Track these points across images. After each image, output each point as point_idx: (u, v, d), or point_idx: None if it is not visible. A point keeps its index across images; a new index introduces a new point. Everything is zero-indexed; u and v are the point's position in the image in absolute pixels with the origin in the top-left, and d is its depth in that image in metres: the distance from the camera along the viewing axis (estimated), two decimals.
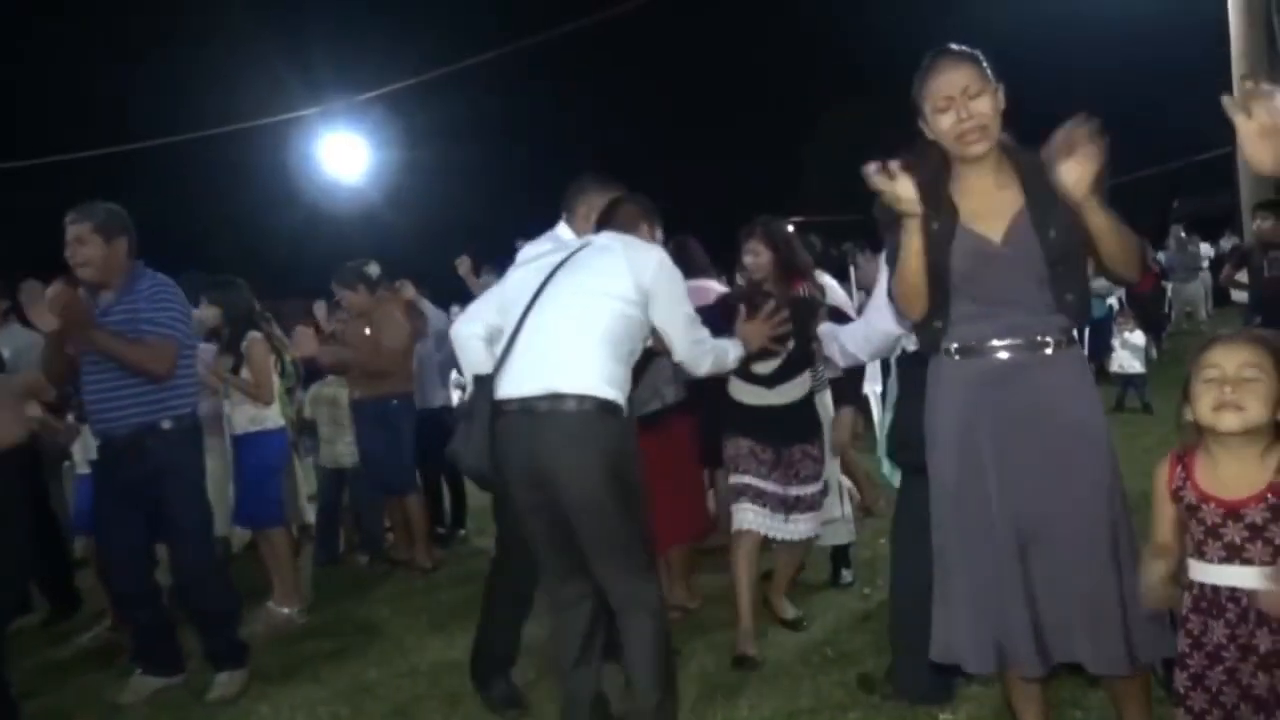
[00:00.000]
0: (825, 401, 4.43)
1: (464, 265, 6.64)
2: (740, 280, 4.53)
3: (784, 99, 29.79)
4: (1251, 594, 2.00)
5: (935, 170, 2.49)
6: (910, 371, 3.00)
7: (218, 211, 21.59)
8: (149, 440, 3.83)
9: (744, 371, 3.84)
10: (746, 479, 3.96)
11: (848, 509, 4.59)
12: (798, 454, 3.99)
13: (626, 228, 3.17)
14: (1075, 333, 2.50)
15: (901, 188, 2.38)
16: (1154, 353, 11.36)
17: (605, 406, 2.81)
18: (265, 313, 5.35)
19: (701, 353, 3.13)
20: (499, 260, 5.12)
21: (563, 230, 3.53)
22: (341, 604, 5.32)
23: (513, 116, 26.56)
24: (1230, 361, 2.03)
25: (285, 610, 5.04)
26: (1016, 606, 2.40)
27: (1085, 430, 2.41)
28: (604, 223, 3.25)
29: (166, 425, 3.86)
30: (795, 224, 4.58)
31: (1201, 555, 2.08)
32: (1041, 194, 2.38)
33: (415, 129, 20.36)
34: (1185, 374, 2.12)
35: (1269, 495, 2.00)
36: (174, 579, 4.14)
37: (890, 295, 2.67)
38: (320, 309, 7.20)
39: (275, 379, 5.03)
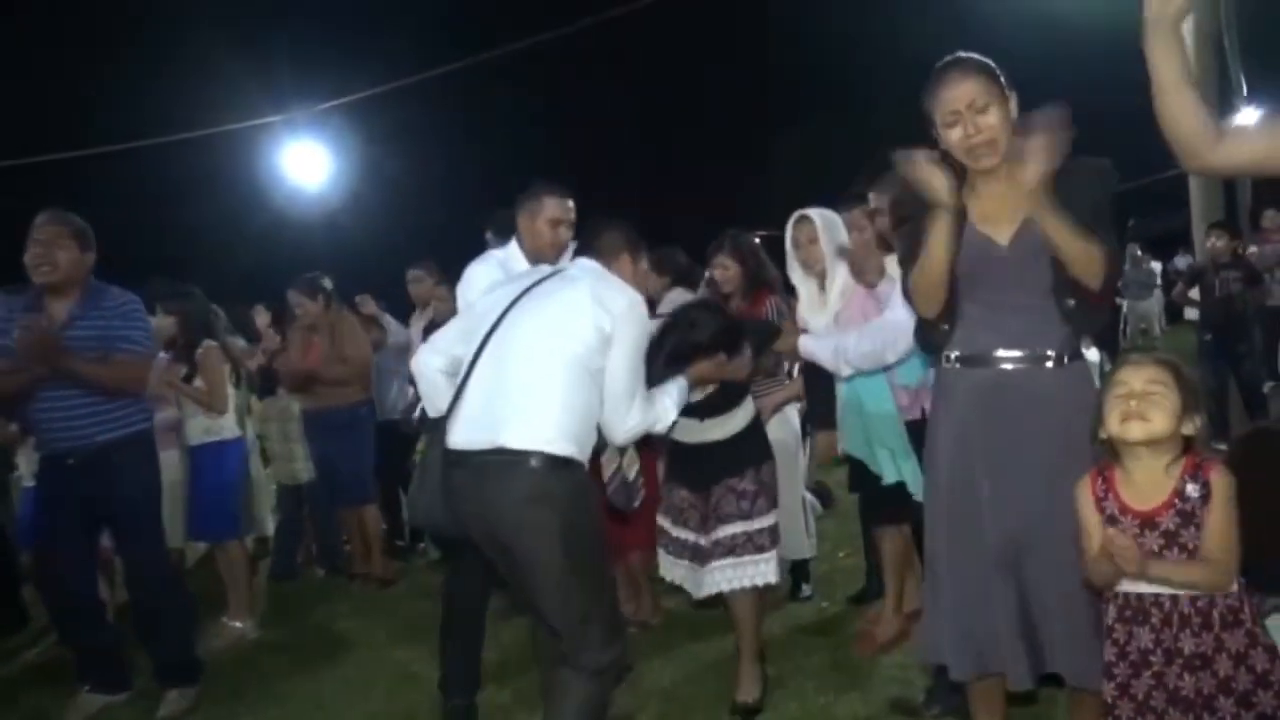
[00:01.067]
0: (789, 417, 4.40)
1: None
2: (707, 293, 4.51)
3: (748, 112, 30.00)
4: (1174, 598, 2.09)
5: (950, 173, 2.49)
6: None
7: (179, 218, 21.31)
8: (112, 458, 3.77)
9: None
10: (673, 528, 3.63)
11: (811, 523, 4.59)
12: (723, 490, 3.48)
13: (605, 257, 3.00)
14: (1082, 344, 2.48)
15: (938, 178, 2.39)
16: (1109, 368, 11.52)
17: (556, 463, 2.62)
18: (227, 324, 5.29)
19: (630, 424, 2.80)
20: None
21: (513, 251, 3.50)
22: (298, 617, 5.25)
23: (475, 126, 26.49)
24: (1136, 379, 2.14)
25: (239, 624, 4.96)
26: (1007, 619, 2.42)
27: (1083, 446, 2.36)
28: (584, 249, 3.07)
29: (126, 442, 3.81)
30: (761, 237, 4.58)
31: None
32: (1051, 201, 2.36)
33: (378, 137, 20.26)
34: (1098, 395, 2.22)
35: (1176, 501, 2.11)
36: (129, 593, 4.07)
37: (906, 292, 2.64)
38: (261, 316, 7.08)
39: (230, 389, 4.97)
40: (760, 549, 3.45)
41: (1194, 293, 8.20)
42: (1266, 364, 8.16)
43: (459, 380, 2.80)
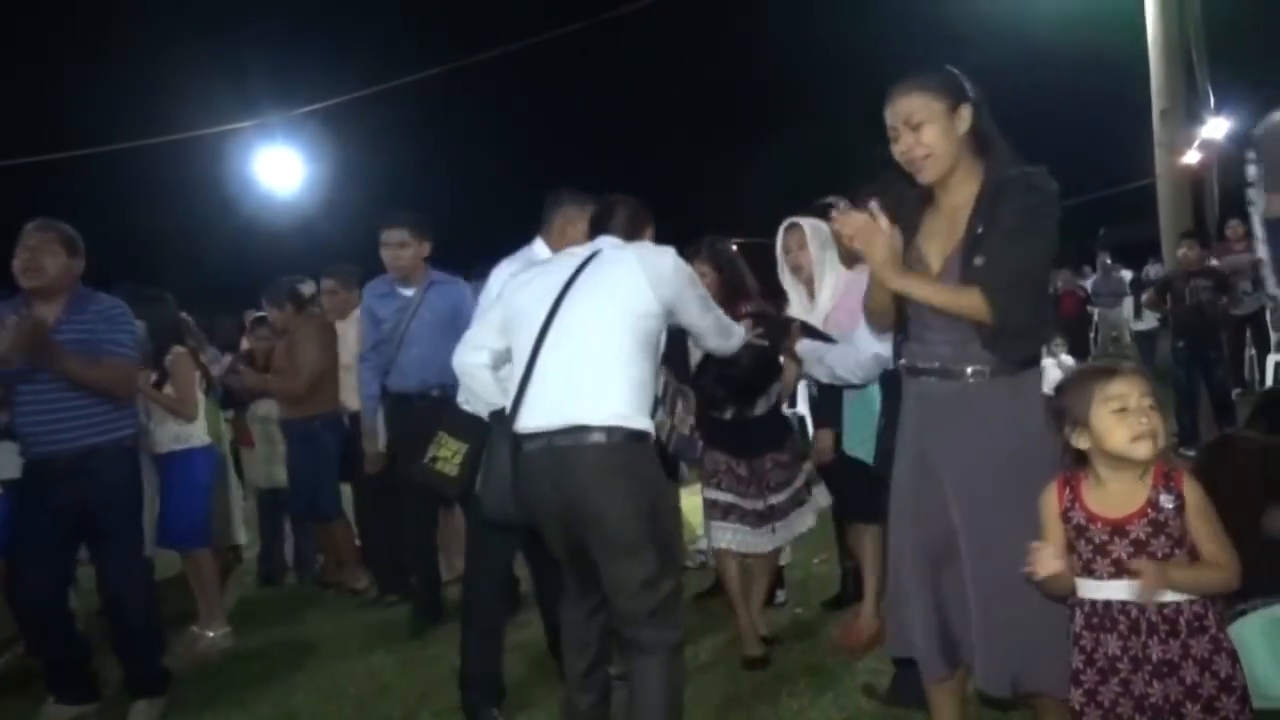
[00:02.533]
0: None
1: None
2: None
3: (722, 119, 30.14)
4: (1141, 606, 2.11)
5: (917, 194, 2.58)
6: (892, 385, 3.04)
7: (151, 224, 21.11)
8: (93, 462, 3.74)
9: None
10: (724, 495, 4.01)
11: None
12: (769, 463, 4.03)
13: (632, 231, 3.06)
14: (1007, 361, 2.43)
15: (875, 240, 2.44)
16: None
17: (634, 436, 2.69)
18: (197, 329, 5.24)
19: (730, 334, 3.15)
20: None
21: (539, 248, 3.50)
22: (270, 626, 5.20)
23: (449, 133, 26.45)
24: (1134, 392, 2.14)
25: (210, 634, 4.91)
26: (930, 620, 2.51)
27: (1005, 458, 2.41)
28: (600, 226, 3.10)
29: (108, 447, 3.79)
30: (736, 244, 4.59)
31: (1091, 573, 2.17)
32: (982, 221, 2.40)
33: (352, 143, 20.19)
34: (1068, 402, 2.21)
35: (1149, 510, 2.12)
36: (104, 601, 4.02)
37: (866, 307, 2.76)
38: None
39: (200, 396, 4.92)
40: (801, 503, 4.14)
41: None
42: (1234, 372, 8.28)
43: (523, 368, 2.79)
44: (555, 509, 2.73)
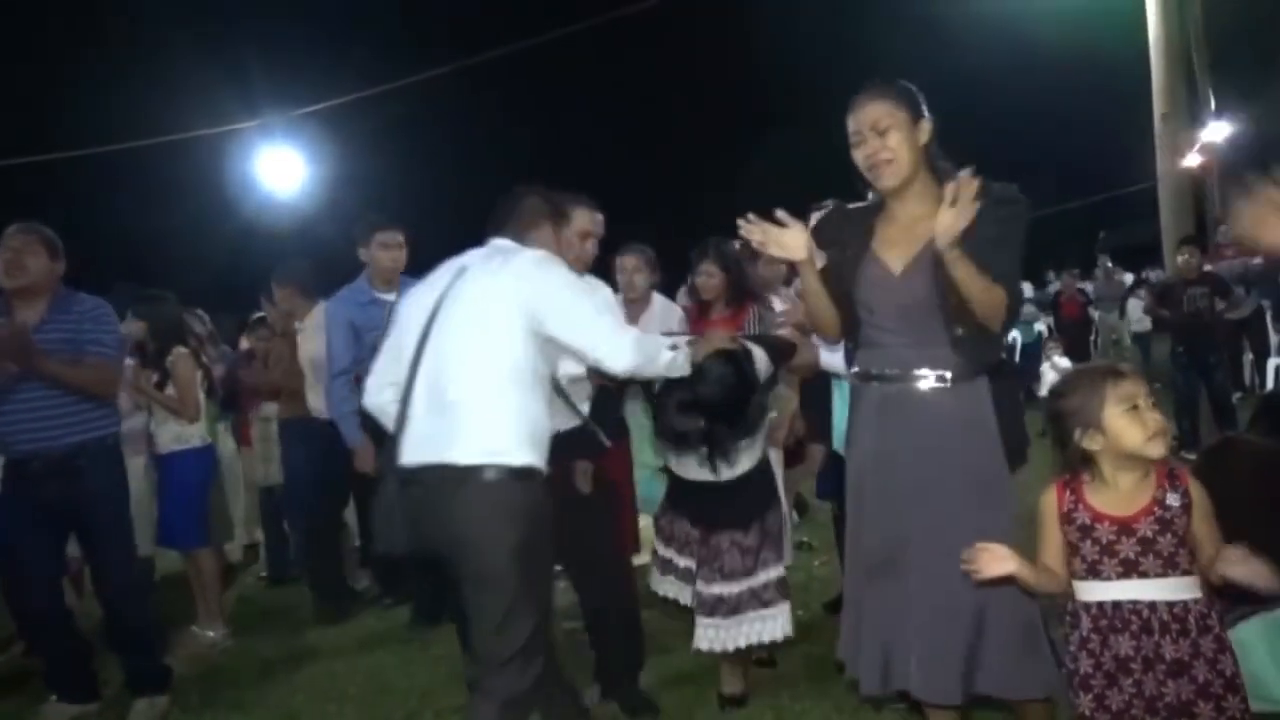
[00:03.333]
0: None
1: None
2: (687, 301, 4.52)
3: (721, 121, 30.16)
4: (1152, 605, 2.11)
5: (870, 202, 2.62)
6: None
7: (152, 224, 21.14)
8: (79, 460, 3.75)
9: (673, 435, 3.20)
10: (679, 559, 3.50)
11: (789, 532, 4.59)
12: (725, 543, 3.34)
13: (522, 231, 2.81)
14: (969, 368, 2.45)
15: (790, 236, 2.53)
16: None
17: (515, 474, 2.49)
18: (205, 330, 5.22)
19: (636, 350, 2.58)
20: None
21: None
22: (269, 626, 5.19)
23: (450, 134, 26.49)
24: (1140, 392, 2.17)
25: (210, 634, 4.91)
26: (870, 629, 2.51)
27: (963, 461, 2.43)
28: (498, 222, 2.86)
29: (93, 446, 3.80)
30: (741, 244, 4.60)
31: (1098, 575, 2.17)
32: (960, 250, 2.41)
33: (351, 144, 20.21)
34: (1076, 404, 2.19)
35: (1156, 508, 2.13)
36: (101, 599, 4.03)
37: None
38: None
39: (201, 396, 4.92)
40: (766, 604, 3.32)
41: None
42: (1233, 376, 8.28)
43: (400, 398, 2.62)
44: (439, 546, 2.55)
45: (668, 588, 3.55)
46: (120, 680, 4.04)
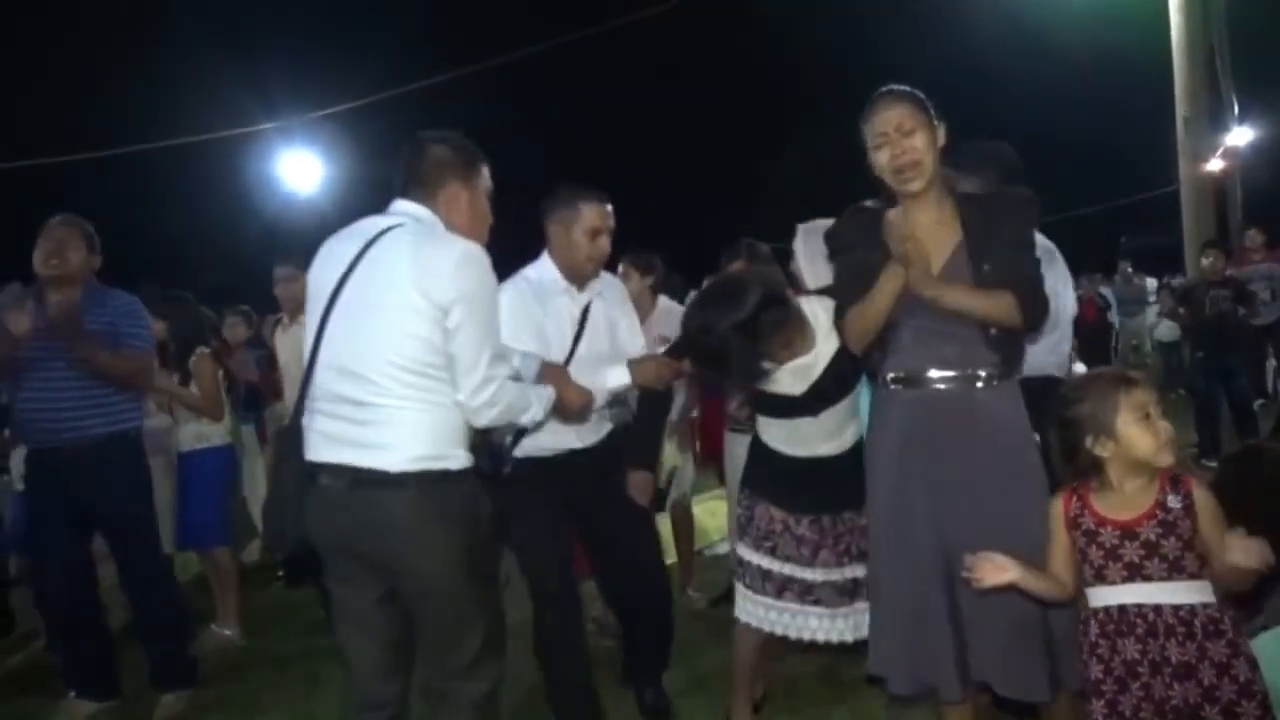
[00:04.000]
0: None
1: None
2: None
3: (740, 128, 30.12)
4: (1157, 609, 2.12)
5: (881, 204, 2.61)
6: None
7: (173, 224, 21.33)
8: (102, 452, 3.79)
9: (769, 400, 3.01)
10: (776, 565, 3.06)
11: None
12: (849, 523, 3.02)
13: (429, 189, 2.47)
14: (1010, 367, 2.51)
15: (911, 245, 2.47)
16: None
17: (436, 478, 2.29)
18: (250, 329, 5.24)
19: (485, 397, 2.33)
20: None
21: (529, 270, 3.28)
22: (287, 626, 5.21)
23: (467, 134, 26.57)
24: (1151, 400, 2.18)
25: (228, 632, 4.94)
26: (941, 631, 2.48)
27: (1017, 462, 2.48)
28: (403, 179, 2.51)
29: (113, 438, 3.85)
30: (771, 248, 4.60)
31: (1104, 579, 2.19)
32: (979, 228, 2.47)
33: (372, 146, 20.32)
34: (1088, 411, 2.19)
35: (1158, 511, 2.15)
36: (128, 596, 4.07)
37: (838, 324, 2.75)
38: (238, 326, 6.85)
39: (223, 396, 4.95)
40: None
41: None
42: (1255, 382, 8.20)
43: (301, 382, 2.41)
44: (354, 551, 2.35)
45: (761, 615, 3.08)
46: (138, 678, 4.06)
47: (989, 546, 2.38)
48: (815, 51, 27.79)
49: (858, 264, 2.59)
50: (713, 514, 5.75)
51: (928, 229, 2.52)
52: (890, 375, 2.58)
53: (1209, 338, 7.79)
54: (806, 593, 3.03)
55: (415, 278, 2.27)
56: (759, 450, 3.15)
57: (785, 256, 4.08)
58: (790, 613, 3.04)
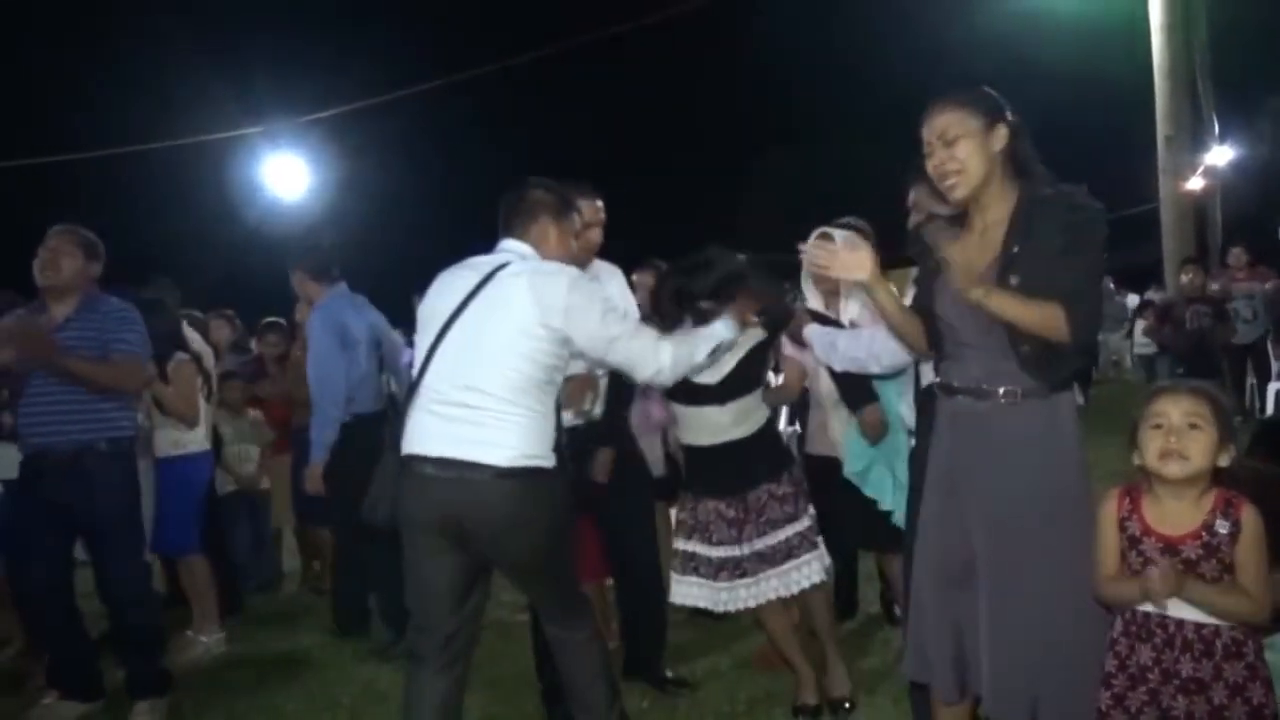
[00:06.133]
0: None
1: None
2: None
3: (724, 138, 30.22)
4: (1179, 622, 2.13)
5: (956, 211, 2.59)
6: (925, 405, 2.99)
7: (157, 228, 21.18)
8: (88, 459, 3.78)
9: (685, 388, 3.35)
10: (709, 550, 3.50)
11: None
12: (764, 497, 3.46)
13: (527, 228, 2.94)
14: (1046, 384, 2.40)
15: (856, 258, 2.53)
16: (1080, 399, 11.60)
17: (530, 474, 2.71)
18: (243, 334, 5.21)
19: (658, 358, 2.83)
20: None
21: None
22: (264, 633, 5.18)
23: (453, 142, 26.59)
24: (1175, 411, 2.17)
25: (204, 639, 4.89)
26: (944, 640, 2.49)
27: (1039, 481, 2.39)
28: (505, 220, 2.98)
29: (103, 446, 3.83)
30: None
31: None
32: (1019, 240, 2.38)
33: (356, 151, 20.29)
34: (1133, 420, 2.24)
35: (1203, 533, 2.14)
36: (106, 600, 4.03)
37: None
38: (222, 329, 6.72)
39: (201, 402, 4.92)
40: (814, 545, 3.48)
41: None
42: (1234, 400, 8.26)
43: (413, 383, 2.84)
44: (450, 529, 2.74)
45: (689, 591, 3.54)
46: (119, 681, 4.03)
47: (998, 564, 2.39)
48: (798, 72, 27.94)
49: (929, 273, 2.59)
50: None
51: (977, 235, 2.48)
52: (936, 381, 2.60)
53: (1189, 353, 7.86)
54: (736, 568, 3.44)
55: (536, 312, 2.71)
56: (686, 454, 3.62)
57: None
58: (726, 590, 3.46)
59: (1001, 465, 2.42)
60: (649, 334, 2.90)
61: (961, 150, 2.40)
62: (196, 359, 4.99)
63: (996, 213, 2.45)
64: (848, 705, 3.54)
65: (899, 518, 3.53)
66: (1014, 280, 2.34)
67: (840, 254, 2.57)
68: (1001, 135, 2.42)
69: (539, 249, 2.93)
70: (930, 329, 2.59)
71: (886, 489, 3.69)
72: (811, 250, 2.62)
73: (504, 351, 2.71)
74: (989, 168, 2.42)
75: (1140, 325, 13.99)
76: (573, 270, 2.85)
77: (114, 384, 3.84)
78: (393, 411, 4.18)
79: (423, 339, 2.85)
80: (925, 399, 2.92)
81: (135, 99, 20.21)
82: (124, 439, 3.93)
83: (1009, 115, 2.45)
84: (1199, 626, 2.12)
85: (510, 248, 2.93)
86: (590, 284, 2.87)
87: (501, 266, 2.83)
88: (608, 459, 3.64)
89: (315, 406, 4.57)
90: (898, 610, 4.09)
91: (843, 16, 24.93)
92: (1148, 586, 2.12)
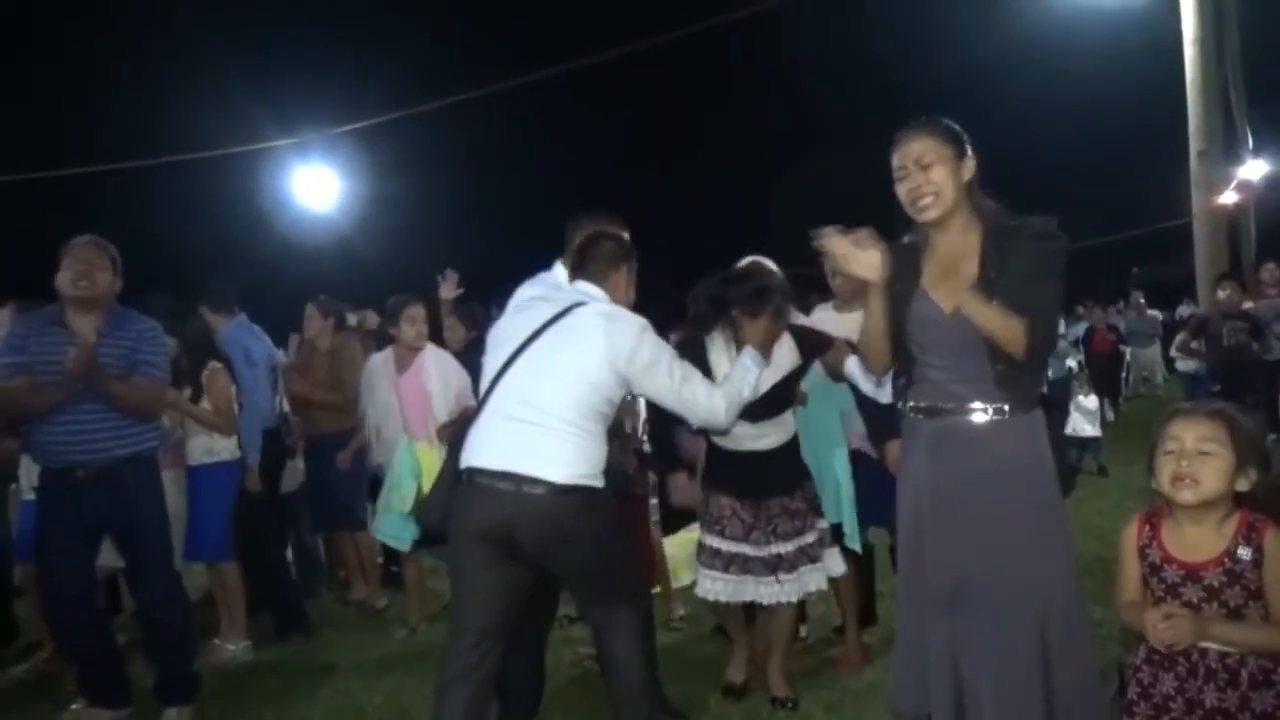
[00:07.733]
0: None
1: (449, 285, 5.64)
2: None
3: (749, 150, 30.25)
4: (1203, 652, 2.09)
5: (917, 238, 2.64)
6: None
7: (188, 238, 21.45)
8: (122, 473, 3.84)
9: None
10: (720, 543, 3.72)
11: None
12: (775, 509, 3.69)
13: (601, 274, 3.14)
14: (1021, 403, 2.48)
15: (867, 256, 2.53)
16: (1110, 415, 11.51)
17: (586, 493, 2.86)
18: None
19: (711, 406, 3.06)
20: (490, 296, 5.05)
21: (558, 272, 3.45)
22: (290, 642, 5.20)
23: (482, 153, 26.74)
24: (1189, 435, 2.13)
25: (231, 647, 4.93)
26: (941, 666, 2.48)
27: (1020, 497, 2.45)
28: (579, 264, 3.18)
29: (139, 458, 3.91)
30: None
31: None
32: (995, 263, 2.47)
33: (388, 163, 20.46)
34: (1153, 442, 2.21)
35: (1225, 560, 2.10)
36: (140, 607, 4.11)
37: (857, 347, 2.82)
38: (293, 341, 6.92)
39: (235, 410, 4.96)
40: (814, 560, 3.73)
41: (1198, 343, 8.21)
42: (1270, 417, 8.14)
43: (481, 399, 3.01)
44: (502, 539, 2.85)
45: (712, 587, 3.71)
46: (146, 688, 4.06)
47: (987, 580, 2.41)
48: (826, 84, 27.92)
49: (896, 295, 2.62)
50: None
51: (950, 261, 2.55)
52: (911, 404, 2.62)
53: (1225, 369, 7.75)
54: (744, 564, 3.67)
55: (607, 354, 2.91)
56: (709, 450, 3.80)
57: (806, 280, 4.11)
58: (734, 582, 3.67)
59: (983, 482, 2.45)
60: (704, 382, 3.10)
61: (937, 174, 2.49)
62: (229, 366, 5.03)
63: (964, 242, 2.54)
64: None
65: (849, 529, 3.86)
66: (995, 303, 2.44)
67: (854, 250, 2.58)
68: (970, 166, 2.53)
69: (611, 295, 3.14)
70: (898, 348, 2.64)
71: (829, 503, 3.88)
72: (828, 243, 2.62)
73: (569, 373, 2.89)
74: (959, 195, 2.52)
75: (1176, 340, 13.88)
76: (642, 320, 3.04)
77: (139, 408, 3.88)
78: (285, 428, 5.54)
79: (492, 360, 3.04)
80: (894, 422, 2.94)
81: (167, 111, 20.52)
82: (151, 450, 4.03)
83: (970, 151, 2.54)
84: (1223, 655, 2.08)
85: (586, 291, 3.11)
86: (654, 335, 3.05)
87: (576, 305, 3.03)
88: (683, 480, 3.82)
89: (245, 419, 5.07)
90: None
91: (879, 31, 24.95)
92: (1160, 638, 2.08)
